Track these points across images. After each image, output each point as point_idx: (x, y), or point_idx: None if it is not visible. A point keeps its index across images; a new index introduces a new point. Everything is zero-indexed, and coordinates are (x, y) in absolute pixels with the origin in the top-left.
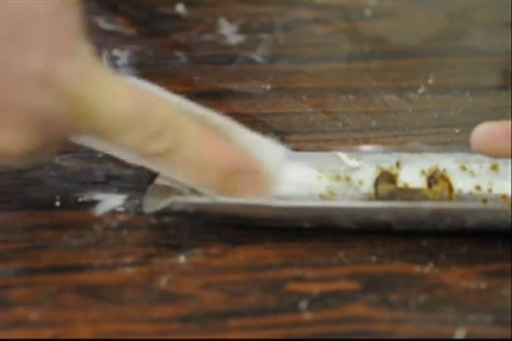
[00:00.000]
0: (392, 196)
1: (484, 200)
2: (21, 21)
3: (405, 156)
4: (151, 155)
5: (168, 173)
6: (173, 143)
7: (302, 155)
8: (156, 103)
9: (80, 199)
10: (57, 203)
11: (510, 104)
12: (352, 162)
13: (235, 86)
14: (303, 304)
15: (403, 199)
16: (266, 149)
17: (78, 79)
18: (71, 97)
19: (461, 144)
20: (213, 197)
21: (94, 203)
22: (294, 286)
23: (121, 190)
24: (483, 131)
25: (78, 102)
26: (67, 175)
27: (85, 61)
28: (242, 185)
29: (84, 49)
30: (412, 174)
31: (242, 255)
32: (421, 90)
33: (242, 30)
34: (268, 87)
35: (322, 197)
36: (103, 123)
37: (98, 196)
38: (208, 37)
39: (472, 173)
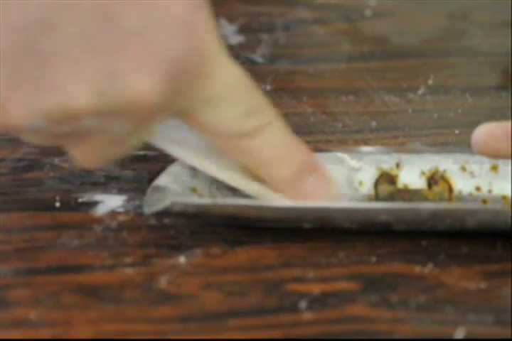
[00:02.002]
0: (392, 197)
1: (484, 201)
2: None
3: (405, 157)
4: (240, 135)
5: (234, 166)
6: (263, 124)
7: None
8: (253, 85)
9: (80, 200)
10: (57, 204)
11: (510, 104)
12: (353, 163)
13: None
14: (303, 304)
15: (403, 200)
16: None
17: (213, 37)
18: (204, 52)
19: (461, 145)
20: (261, 198)
21: (94, 204)
22: (293, 286)
23: (121, 191)
24: (484, 132)
25: (206, 60)
26: (67, 175)
27: (214, 25)
28: (309, 186)
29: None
30: (412, 175)
31: (242, 255)
32: (421, 91)
33: (242, 30)
34: (268, 87)
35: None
36: (217, 89)
37: (98, 197)
38: None
39: (472, 174)
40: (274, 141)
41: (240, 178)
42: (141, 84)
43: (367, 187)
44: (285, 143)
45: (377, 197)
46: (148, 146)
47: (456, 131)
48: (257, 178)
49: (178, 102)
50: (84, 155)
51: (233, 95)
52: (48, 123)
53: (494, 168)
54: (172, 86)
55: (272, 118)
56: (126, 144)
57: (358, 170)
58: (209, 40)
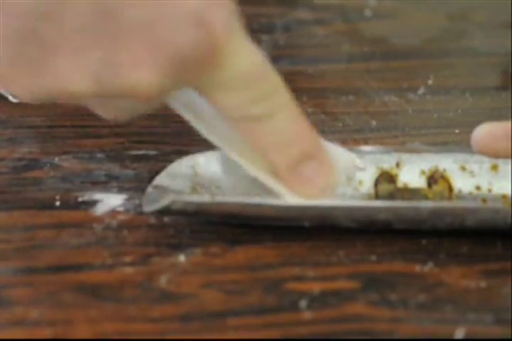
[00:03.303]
0: (391, 196)
1: (484, 200)
2: None
3: (405, 156)
4: (248, 118)
5: (246, 146)
6: (274, 109)
7: None
8: (272, 68)
9: (79, 199)
10: (57, 203)
11: (510, 104)
12: (359, 162)
13: None
14: (303, 303)
15: (403, 199)
16: (336, 153)
17: (227, 25)
18: (216, 41)
19: (461, 144)
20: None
21: (94, 203)
22: (293, 285)
23: (121, 190)
24: (483, 132)
25: (218, 48)
26: (67, 175)
27: (231, 11)
28: (308, 171)
29: (231, 3)
30: (411, 174)
31: (241, 254)
32: (421, 91)
33: None
34: None
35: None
36: (227, 76)
37: (98, 196)
38: None
39: (472, 173)
40: (280, 126)
41: (243, 157)
42: (140, 76)
43: (367, 187)
44: (290, 129)
45: (377, 197)
46: (148, 146)
47: (456, 131)
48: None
49: (188, 85)
50: (105, 115)
51: (244, 81)
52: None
53: (494, 168)
54: (174, 78)
55: (282, 104)
56: (138, 111)
57: (363, 169)
58: (221, 30)
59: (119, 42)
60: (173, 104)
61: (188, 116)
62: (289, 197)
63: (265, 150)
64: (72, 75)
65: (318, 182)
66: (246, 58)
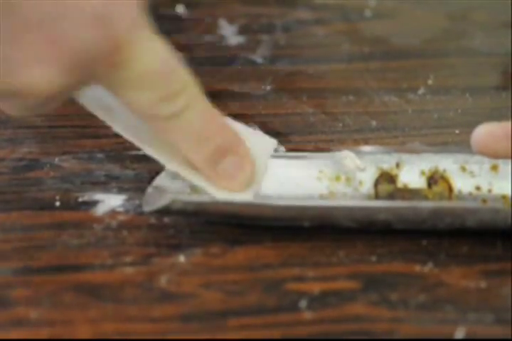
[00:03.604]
0: (391, 196)
1: (484, 201)
2: None
3: (405, 157)
4: (157, 117)
5: (160, 141)
6: (183, 107)
7: (302, 156)
8: (180, 65)
9: (79, 200)
10: (58, 203)
11: (510, 104)
12: (359, 162)
13: (235, 87)
14: (303, 303)
15: (403, 199)
16: (256, 140)
17: (129, 24)
18: (117, 40)
19: (461, 145)
20: (195, 183)
21: (94, 203)
22: (293, 285)
23: (121, 190)
24: (483, 132)
25: (121, 47)
26: (67, 175)
27: (137, 10)
28: (227, 166)
29: (138, 1)
30: (411, 174)
31: (241, 254)
32: (421, 91)
33: (242, 30)
34: (268, 87)
35: (322, 197)
36: (132, 75)
37: (98, 196)
38: (208, 38)
39: (472, 174)
40: (192, 123)
41: (160, 152)
42: (40, 74)
43: (367, 187)
44: (203, 125)
45: (377, 197)
46: None
47: (456, 131)
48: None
49: (93, 82)
50: (9, 111)
51: (151, 80)
52: None
53: (494, 168)
54: (76, 76)
55: (192, 101)
56: (43, 108)
57: (363, 170)
58: (124, 27)
59: (16, 40)
60: (81, 100)
61: (98, 113)
62: (215, 193)
63: (181, 148)
64: None
65: (240, 177)
66: (151, 57)
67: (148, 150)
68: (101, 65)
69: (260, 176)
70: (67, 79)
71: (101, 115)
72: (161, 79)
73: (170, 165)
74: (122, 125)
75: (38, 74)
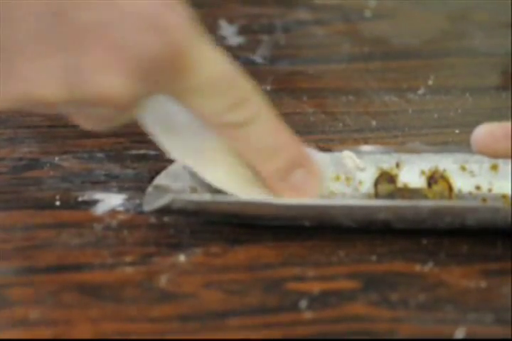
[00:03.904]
0: (391, 196)
1: (484, 200)
2: None
3: (405, 156)
4: (228, 125)
5: (227, 151)
6: (249, 117)
7: None
8: (243, 74)
9: (80, 199)
10: (58, 202)
11: (510, 104)
12: (360, 162)
13: None
14: (303, 303)
15: (403, 199)
16: (315, 156)
17: (187, 29)
18: (177, 46)
19: (461, 144)
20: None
21: (94, 203)
22: (294, 285)
23: (121, 190)
24: (483, 132)
25: (184, 53)
26: (67, 174)
27: (188, 17)
28: (297, 180)
29: (183, 6)
30: (411, 174)
31: (242, 254)
32: (421, 91)
33: (242, 31)
34: (268, 87)
35: (322, 197)
36: (200, 82)
37: (98, 195)
38: None
39: (472, 173)
40: (261, 132)
41: (219, 174)
42: (109, 81)
43: (367, 187)
44: (273, 135)
45: (376, 197)
46: (148, 146)
47: (456, 131)
48: (245, 175)
49: (161, 92)
50: (82, 124)
51: (217, 87)
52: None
53: (494, 167)
54: (142, 82)
55: (260, 110)
56: (115, 121)
57: (363, 169)
58: (183, 34)
59: (78, 45)
60: (142, 119)
61: (154, 130)
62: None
63: (251, 158)
64: (38, 80)
65: (308, 191)
66: (215, 64)
67: (204, 173)
68: (168, 72)
69: (323, 192)
70: (136, 84)
71: (157, 132)
72: (229, 86)
73: (226, 186)
74: (176, 143)
75: (112, 81)
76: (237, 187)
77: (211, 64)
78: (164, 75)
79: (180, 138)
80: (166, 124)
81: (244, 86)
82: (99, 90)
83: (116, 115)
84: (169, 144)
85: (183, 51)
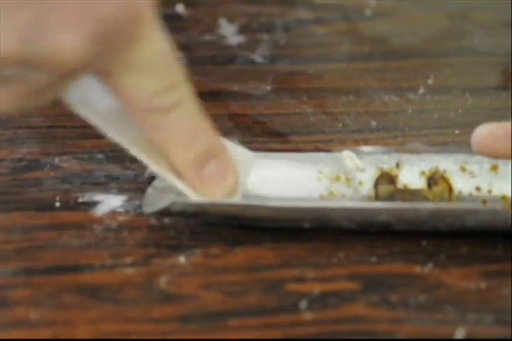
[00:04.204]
0: (391, 197)
1: (484, 201)
2: None
3: (405, 157)
4: (148, 111)
5: (144, 142)
6: (176, 102)
7: (302, 156)
8: (179, 60)
9: (79, 200)
10: (57, 204)
11: (510, 104)
12: (359, 163)
13: (235, 86)
14: (303, 304)
15: (403, 200)
16: (236, 152)
17: (147, 3)
18: (135, 11)
19: (461, 145)
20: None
21: (94, 204)
22: (293, 286)
23: (121, 191)
24: (484, 132)
25: (137, 20)
26: (67, 175)
27: None
28: (209, 171)
29: None
30: (411, 175)
31: (241, 255)
32: (421, 91)
33: (242, 30)
34: (268, 87)
35: (322, 198)
36: (139, 56)
37: (98, 197)
38: (207, 37)
39: (472, 174)
40: (182, 120)
41: (144, 153)
42: (69, 40)
43: (367, 188)
44: (193, 124)
45: (376, 198)
46: None
47: (456, 131)
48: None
49: (102, 62)
50: (1, 102)
51: (155, 66)
52: None
53: (494, 168)
54: (99, 46)
55: (186, 98)
56: (42, 97)
57: (363, 170)
58: (144, 7)
59: (48, 5)
60: (68, 99)
61: (83, 112)
62: (192, 196)
63: (167, 145)
64: (1, 36)
65: (221, 182)
66: (159, 42)
67: (134, 151)
68: (120, 36)
69: (240, 188)
70: (91, 48)
71: (87, 114)
72: (166, 68)
73: (154, 166)
74: (108, 125)
75: (68, 37)
76: (163, 169)
77: (156, 41)
78: (117, 38)
79: (107, 121)
80: (92, 107)
81: (178, 70)
82: (54, 45)
83: (50, 85)
84: (100, 124)
85: (138, 17)
